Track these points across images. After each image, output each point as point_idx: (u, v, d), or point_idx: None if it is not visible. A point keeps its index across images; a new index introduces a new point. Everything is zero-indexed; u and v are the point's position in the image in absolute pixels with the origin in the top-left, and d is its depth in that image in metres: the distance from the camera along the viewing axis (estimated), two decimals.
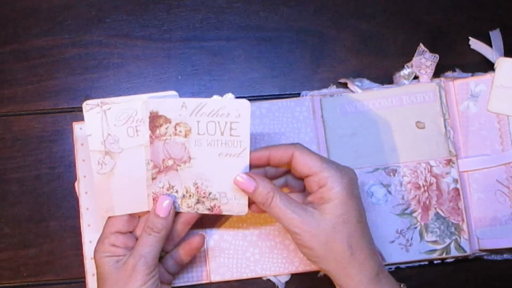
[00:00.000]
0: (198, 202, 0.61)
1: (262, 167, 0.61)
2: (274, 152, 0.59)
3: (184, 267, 0.66)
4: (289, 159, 0.59)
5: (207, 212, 0.61)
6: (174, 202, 0.60)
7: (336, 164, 0.58)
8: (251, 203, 0.60)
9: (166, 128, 0.60)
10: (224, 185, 0.60)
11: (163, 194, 0.61)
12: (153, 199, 0.61)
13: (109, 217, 0.62)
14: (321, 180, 0.57)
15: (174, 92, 0.61)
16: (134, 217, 0.62)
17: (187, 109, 0.59)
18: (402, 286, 0.59)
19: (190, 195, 0.61)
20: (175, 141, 0.60)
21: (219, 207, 0.61)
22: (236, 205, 0.60)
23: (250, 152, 0.59)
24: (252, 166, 0.60)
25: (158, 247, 0.60)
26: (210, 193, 0.60)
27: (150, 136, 0.60)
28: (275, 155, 0.59)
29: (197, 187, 0.60)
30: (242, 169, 0.59)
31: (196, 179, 0.60)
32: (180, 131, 0.60)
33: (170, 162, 0.60)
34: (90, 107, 0.60)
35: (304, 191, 0.62)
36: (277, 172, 0.62)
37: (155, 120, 0.60)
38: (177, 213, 0.62)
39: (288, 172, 0.62)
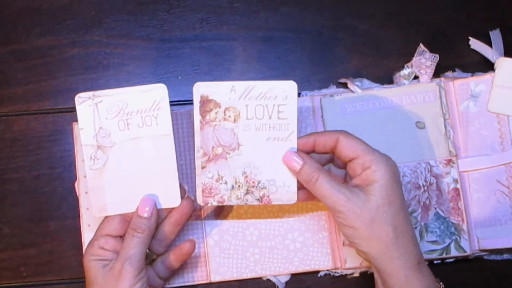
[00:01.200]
0: (247, 192, 0.60)
1: (308, 153, 0.61)
2: (319, 137, 0.60)
3: (175, 272, 0.66)
4: (334, 144, 0.59)
5: (256, 203, 0.60)
6: (155, 203, 0.60)
7: (376, 150, 0.59)
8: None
9: (216, 113, 0.59)
10: (272, 171, 0.60)
11: (146, 197, 0.60)
12: (202, 191, 0.60)
13: (102, 220, 0.62)
14: (366, 163, 0.57)
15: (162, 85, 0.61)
16: (126, 221, 0.61)
17: (236, 93, 0.58)
18: (437, 280, 0.59)
19: (239, 186, 0.60)
20: (224, 127, 0.59)
21: (268, 196, 0.60)
22: (285, 193, 0.60)
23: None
24: None
25: (143, 249, 0.59)
26: (259, 182, 0.60)
27: (200, 122, 0.59)
28: (321, 140, 0.60)
29: (246, 176, 0.60)
30: None
31: (245, 167, 0.60)
32: (229, 116, 0.59)
33: (220, 150, 0.60)
34: (82, 100, 0.59)
35: (345, 181, 0.62)
36: (321, 159, 0.61)
37: (205, 105, 0.59)
38: (166, 214, 0.62)
39: (331, 161, 0.62)
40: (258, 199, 0.60)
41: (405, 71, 0.69)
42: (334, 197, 0.57)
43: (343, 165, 0.61)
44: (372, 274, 0.67)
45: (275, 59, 0.70)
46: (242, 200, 0.60)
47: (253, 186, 0.60)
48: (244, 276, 0.67)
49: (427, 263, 0.67)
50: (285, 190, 0.60)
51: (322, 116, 0.68)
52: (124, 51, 0.70)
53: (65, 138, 0.68)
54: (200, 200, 0.60)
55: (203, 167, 0.60)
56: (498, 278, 0.69)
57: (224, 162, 0.60)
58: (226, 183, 0.60)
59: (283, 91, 0.58)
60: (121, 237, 0.61)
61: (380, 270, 0.57)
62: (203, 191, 0.60)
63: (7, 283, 0.67)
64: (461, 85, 0.69)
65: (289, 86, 0.59)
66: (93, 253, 0.60)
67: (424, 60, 0.68)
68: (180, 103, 0.69)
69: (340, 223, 0.58)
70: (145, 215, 0.60)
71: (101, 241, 0.60)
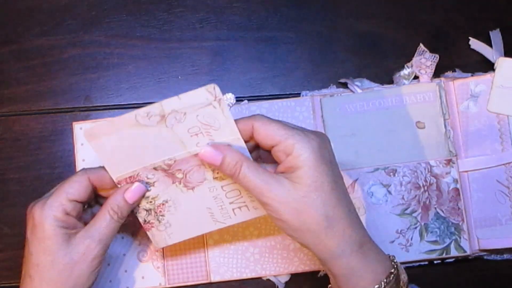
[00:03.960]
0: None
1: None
2: (241, 127, 0.55)
3: None
4: (251, 132, 0.55)
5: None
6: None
7: (302, 129, 0.54)
8: None
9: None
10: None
11: (139, 181, 0.58)
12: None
13: (65, 181, 0.57)
14: (287, 148, 0.52)
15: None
16: (92, 187, 0.57)
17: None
18: (391, 257, 0.55)
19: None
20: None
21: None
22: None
23: None
24: None
25: (115, 233, 0.57)
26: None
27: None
28: (239, 128, 0.55)
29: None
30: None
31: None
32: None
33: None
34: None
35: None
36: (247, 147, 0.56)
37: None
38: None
39: (258, 146, 0.57)
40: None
41: (405, 71, 0.69)
42: (258, 188, 0.53)
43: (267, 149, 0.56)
44: None
45: (275, 59, 0.70)
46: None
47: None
48: (244, 276, 0.67)
49: (426, 262, 0.67)
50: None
51: (322, 116, 0.68)
52: (124, 51, 0.70)
53: (65, 138, 0.68)
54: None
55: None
56: (498, 278, 0.69)
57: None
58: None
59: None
60: (83, 203, 0.57)
61: (322, 260, 0.54)
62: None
63: (7, 283, 0.67)
64: (461, 85, 0.69)
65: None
66: (58, 218, 0.55)
67: (424, 60, 0.68)
68: None
69: (270, 215, 0.54)
70: (131, 202, 0.56)
71: (68, 206, 0.55)
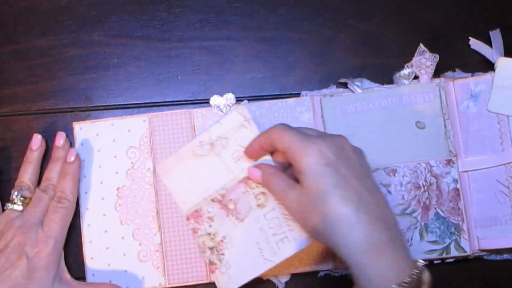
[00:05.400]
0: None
1: (262, 156, 0.61)
2: (260, 140, 0.60)
3: None
4: (272, 143, 0.58)
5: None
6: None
7: (316, 134, 0.56)
8: None
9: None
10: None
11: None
12: None
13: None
14: (292, 154, 0.55)
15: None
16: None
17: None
18: (418, 263, 0.52)
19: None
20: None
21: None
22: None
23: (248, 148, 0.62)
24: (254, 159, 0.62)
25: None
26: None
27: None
28: (262, 141, 0.59)
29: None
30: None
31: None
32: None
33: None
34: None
35: None
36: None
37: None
38: None
39: None
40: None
41: (405, 71, 0.69)
42: (277, 193, 0.57)
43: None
44: None
45: (275, 59, 0.70)
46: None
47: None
48: None
49: (426, 262, 0.67)
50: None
51: (322, 116, 0.68)
52: (124, 51, 0.70)
53: None
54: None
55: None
56: (498, 278, 0.69)
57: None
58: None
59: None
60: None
61: (338, 258, 0.55)
62: None
63: None
64: (461, 85, 0.69)
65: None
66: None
67: (424, 60, 0.68)
68: (181, 103, 0.69)
69: (295, 220, 0.57)
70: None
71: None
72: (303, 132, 0.56)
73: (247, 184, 0.62)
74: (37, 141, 0.65)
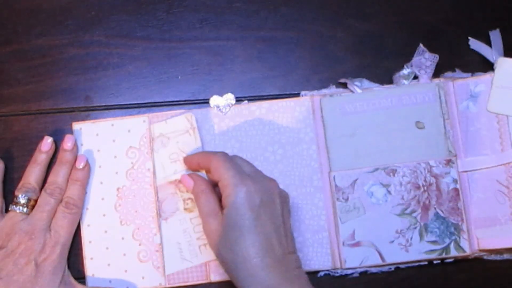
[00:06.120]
0: None
1: (197, 171, 0.65)
2: (199, 157, 0.63)
3: None
4: (209, 165, 0.61)
5: None
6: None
7: (243, 172, 0.59)
8: None
9: None
10: None
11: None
12: None
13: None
14: (221, 187, 0.59)
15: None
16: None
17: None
18: None
19: None
20: None
21: None
22: None
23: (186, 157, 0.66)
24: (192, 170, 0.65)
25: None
26: None
27: None
28: (199, 160, 0.63)
29: None
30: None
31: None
32: None
33: None
34: None
35: None
36: None
37: None
38: None
39: None
40: None
41: (405, 71, 0.69)
42: (204, 218, 0.59)
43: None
44: (372, 275, 0.68)
45: (275, 59, 0.70)
46: None
47: None
48: None
49: (426, 263, 0.67)
50: None
51: (321, 116, 0.68)
52: (124, 51, 0.70)
53: None
54: None
55: None
56: (498, 278, 0.69)
57: None
58: None
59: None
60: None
61: None
62: None
63: None
64: (461, 85, 0.69)
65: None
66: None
67: (423, 60, 0.68)
68: (180, 103, 0.69)
69: (209, 245, 0.60)
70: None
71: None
72: (239, 168, 0.59)
73: (177, 187, 0.66)
74: (47, 143, 0.65)
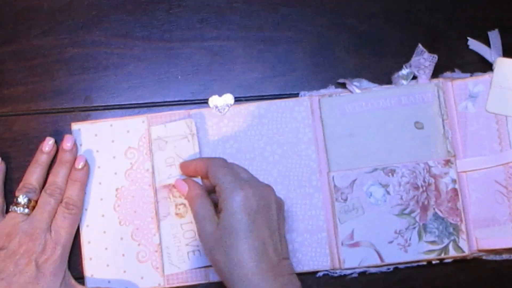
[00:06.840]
0: None
1: (194, 176, 0.65)
2: (197, 163, 0.63)
3: None
4: (206, 171, 0.61)
5: None
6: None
7: (249, 180, 0.60)
8: None
9: None
10: None
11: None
12: None
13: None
14: (218, 192, 0.59)
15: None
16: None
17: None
18: None
19: None
20: None
21: None
22: None
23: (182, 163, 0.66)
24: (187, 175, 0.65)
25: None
26: None
27: None
28: (197, 166, 0.63)
29: None
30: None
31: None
32: None
33: None
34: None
35: None
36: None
37: None
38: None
39: None
40: None
41: (404, 72, 0.69)
42: (199, 222, 0.59)
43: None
44: (371, 275, 0.68)
45: (274, 59, 0.71)
46: None
47: None
48: None
49: (425, 263, 0.67)
50: None
51: (320, 116, 0.68)
52: (124, 51, 0.70)
53: None
54: None
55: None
56: (497, 279, 0.69)
57: None
58: None
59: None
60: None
61: None
62: None
63: None
64: (460, 85, 0.69)
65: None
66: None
67: (422, 61, 0.68)
68: (180, 103, 0.69)
69: (204, 248, 0.60)
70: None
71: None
72: (236, 174, 0.60)
73: (170, 191, 0.66)
74: (49, 144, 0.65)
